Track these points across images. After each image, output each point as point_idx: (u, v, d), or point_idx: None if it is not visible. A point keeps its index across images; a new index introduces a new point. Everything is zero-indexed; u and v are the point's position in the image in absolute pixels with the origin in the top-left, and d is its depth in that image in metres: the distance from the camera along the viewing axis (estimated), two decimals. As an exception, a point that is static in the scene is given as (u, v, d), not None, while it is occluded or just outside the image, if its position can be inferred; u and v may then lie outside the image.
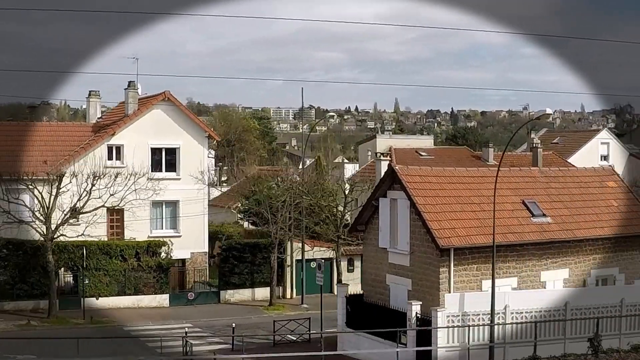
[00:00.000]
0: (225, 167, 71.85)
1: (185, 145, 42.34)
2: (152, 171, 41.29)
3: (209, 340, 32.36)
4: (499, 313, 25.39)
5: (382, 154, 40.29)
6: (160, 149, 42.19)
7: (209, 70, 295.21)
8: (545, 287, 28.29)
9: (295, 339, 31.74)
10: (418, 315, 25.99)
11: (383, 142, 51.40)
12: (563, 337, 26.06)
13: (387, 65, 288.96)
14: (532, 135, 57.31)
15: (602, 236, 29.49)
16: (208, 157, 64.03)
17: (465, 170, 30.07)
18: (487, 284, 27.10)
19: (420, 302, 26.22)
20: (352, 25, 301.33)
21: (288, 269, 40.90)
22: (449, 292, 26.20)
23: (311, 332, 31.42)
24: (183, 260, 42.12)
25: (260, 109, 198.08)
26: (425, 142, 55.28)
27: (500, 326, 25.43)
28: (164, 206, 42.20)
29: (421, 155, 46.09)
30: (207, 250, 42.79)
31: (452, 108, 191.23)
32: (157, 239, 40.08)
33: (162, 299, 39.14)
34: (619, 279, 30.36)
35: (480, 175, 29.48)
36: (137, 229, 40.24)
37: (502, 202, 28.56)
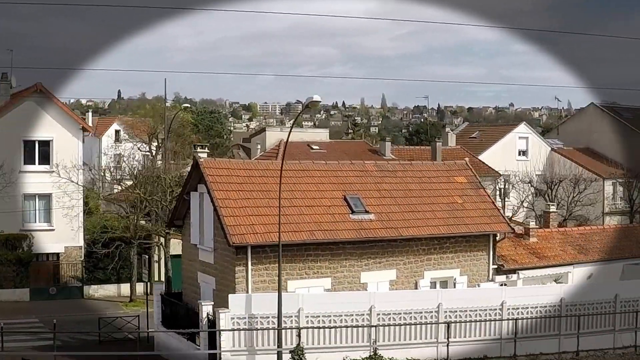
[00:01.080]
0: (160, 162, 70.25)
1: (59, 137, 40.86)
2: (24, 164, 40.14)
3: (42, 337, 30.98)
4: (291, 316, 23.64)
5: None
6: (33, 142, 40.76)
7: (200, 65, 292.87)
8: (367, 289, 26.52)
9: (122, 337, 30.23)
10: (210, 316, 24.31)
11: (274, 135, 49.71)
12: (369, 343, 24.29)
13: (378, 61, 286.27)
14: (447, 129, 55.52)
15: (436, 235, 27.66)
16: (140, 151, 62.69)
17: (287, 163, 28.24)
18: (294, 285, 25.53)
19: (213, 303, 24.57)
20: (343, 21, 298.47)
21: (156, 265, 39.41)
22: (247, 292, 24.54)
23: (139, 330, 29.91)
24: (57, 254, 40.82)
25: (247, 104, 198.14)
26: (320, 135, 53.55)
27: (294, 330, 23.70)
28: (37, 199, 40.81)
29: (312, 148, 44.33)
30: (82, 244, 41.32)
31: (438, 104, 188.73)
32: (17, 233, 38.73)
33: (22, 293, 37.92)
34: (461, 281, 28.49)
35: (301, 169, 27.68)
36: (7, 222, 38.93)
37: (320, 198, 26.99)
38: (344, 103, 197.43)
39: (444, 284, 28.28)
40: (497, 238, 29.47)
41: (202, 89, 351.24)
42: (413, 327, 24.37)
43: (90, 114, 78.79)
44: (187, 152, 54.48)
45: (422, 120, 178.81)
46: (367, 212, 26.90)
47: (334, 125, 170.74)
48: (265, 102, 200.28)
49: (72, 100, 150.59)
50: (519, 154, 52.89)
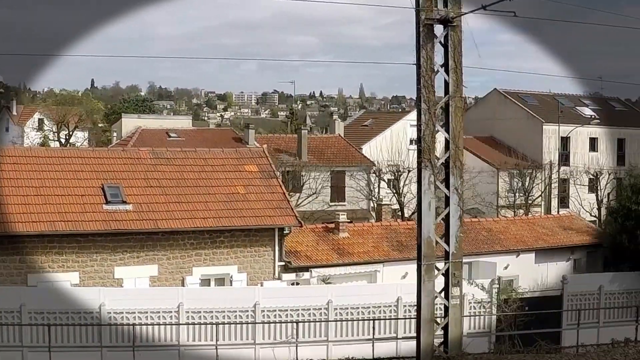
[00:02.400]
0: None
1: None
2: None
3: None
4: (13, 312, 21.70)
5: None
6: None
7: (181, 54, 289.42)
8: (122, 285, 24.60)
9: None
10: None
11: (131, 122, 47.77)
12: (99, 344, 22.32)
13: (362, 50, 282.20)
14: (335, 117, 53.51)
15: (205, 228, 25.65)
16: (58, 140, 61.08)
17: (45, 149, 26.43)
18: (35, 278, 23.66)
19: None
20: (327, 10, 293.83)
21: None
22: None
23: None
24: None
25: (222, 94, 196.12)
26: (182, 122, 51.61)
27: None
28: None
29: (170, 136, 42.40)
30: None
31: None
32: None
33: None
34: (239, 279, 26.42)
35: (59, 156, 25.78)
36: None
37: (74, 187, 25.15)
38: (321, 93, 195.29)
39: (221, 281, 26.31)
40: (288, 232, 27.38)
41: (182, 79, 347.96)
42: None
43: (14, 102, 77.16)
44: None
45: (401, 110, 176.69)
46: (124, 202, 24.98)
47: (311, 115, 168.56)
48: (242, 92, 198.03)
49: (45, 89, 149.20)
50: (411, 143, 50.52)
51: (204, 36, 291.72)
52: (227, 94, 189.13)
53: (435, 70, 16.25)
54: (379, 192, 41.92)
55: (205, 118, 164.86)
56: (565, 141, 50.95)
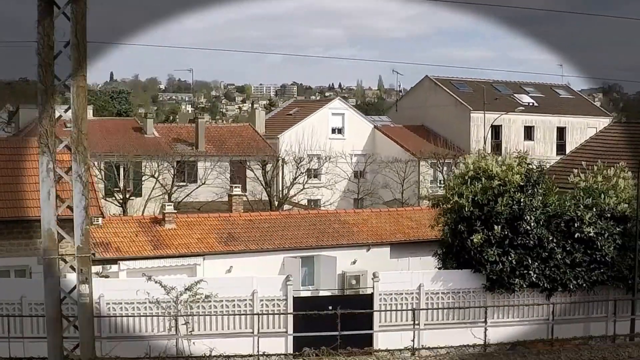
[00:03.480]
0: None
1: None
2: None
3: None
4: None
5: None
6: None
7: (206, 46, 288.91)
8: None
9: None
10: None
11: (29, 114, 46.94)
12: None
13: (387, 43, 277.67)
14: (256, 106, 52.21)
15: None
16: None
17: None
18: None
19: None
20: (350, 2, 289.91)
21: None
22: None
23: None
24: None
25: (241, 86, 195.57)
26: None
27: None
28: None
29: (66, 126, 41.34)
30: None
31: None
32: None
33: None
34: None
35: None
36: None
37: None
38: (340, 85, 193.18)
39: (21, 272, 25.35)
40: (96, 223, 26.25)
41: (208, 72, 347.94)
42: None
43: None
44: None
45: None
46: None
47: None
48: (261, 84, 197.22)
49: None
50: (333, 132, 48.96)
51: (227, 29, 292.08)
52: (246, 86, 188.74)
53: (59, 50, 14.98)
54: (273, 182, 40.59)
55: (224, 110, 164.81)
56: (497, 130, 48.67)
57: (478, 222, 23.42)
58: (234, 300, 22.15)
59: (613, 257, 24.24)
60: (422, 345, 22.74)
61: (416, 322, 23.23)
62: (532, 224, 23.44)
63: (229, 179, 40.95)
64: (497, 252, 23.20)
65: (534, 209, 23.60)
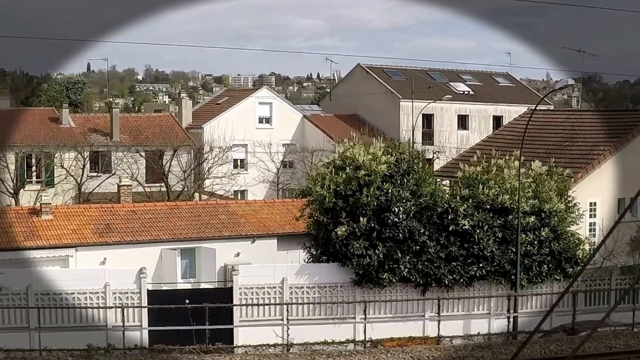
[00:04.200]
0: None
1: None
2: None
3: None
4: None
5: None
6: None
7: (186, 38, 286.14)
8: None
9: None
10: None
11: None
12: None
13: (368, 33, 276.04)
14: (183, 95, 51.14)
15: None
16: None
17: None
18: None
19: None
20: None
21: None
22: None
23: None
24: None
25: (219, 76, 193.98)
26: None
27: None
28: None
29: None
30: None
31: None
32: None
33: None
34: None
35: None
36: None
37: None
38: (318, 75, 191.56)
39: None
40: None
41: (185, 63, 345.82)
42: None
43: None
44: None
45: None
46: None
47: (306, 98, 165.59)
48: (239, 74, 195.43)
49: (42, 74, 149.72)
50: (260, 121, 47.78)
51: (209, 20, 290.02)
52: (224, 77, 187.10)
53: None
54: (191, 173, 39.44)
55: (200, 100, 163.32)
56: (429, 118, 47.60)
57: (343, 214, 22.38)
58: (85, 293, 21.48)
59: (493, 251, 23.27)
60: (290, 341, 21.72)
61: (280, 317, 22.36)
62: (401, 216, 22.39)
63: (145, 170, 39.83)
64: (364, 245, 22.17)
65: (403, 200, 22.53)
